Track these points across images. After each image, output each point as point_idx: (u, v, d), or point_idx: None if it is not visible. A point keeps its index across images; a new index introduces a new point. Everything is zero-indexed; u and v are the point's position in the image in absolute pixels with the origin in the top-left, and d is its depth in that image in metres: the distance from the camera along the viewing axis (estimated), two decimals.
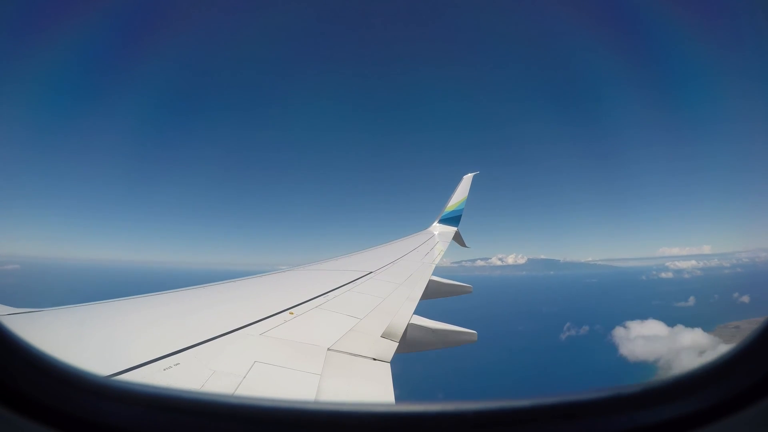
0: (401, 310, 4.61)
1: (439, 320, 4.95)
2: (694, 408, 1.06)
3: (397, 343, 3.53)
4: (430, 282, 6.99)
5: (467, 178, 15.45)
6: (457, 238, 13.86)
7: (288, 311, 3.68)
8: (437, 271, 8.07)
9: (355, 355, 3.04)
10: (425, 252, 9.70)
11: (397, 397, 2.56)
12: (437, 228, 13.99)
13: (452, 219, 14.46)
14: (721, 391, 1.07)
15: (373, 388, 2.71)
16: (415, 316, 4.65)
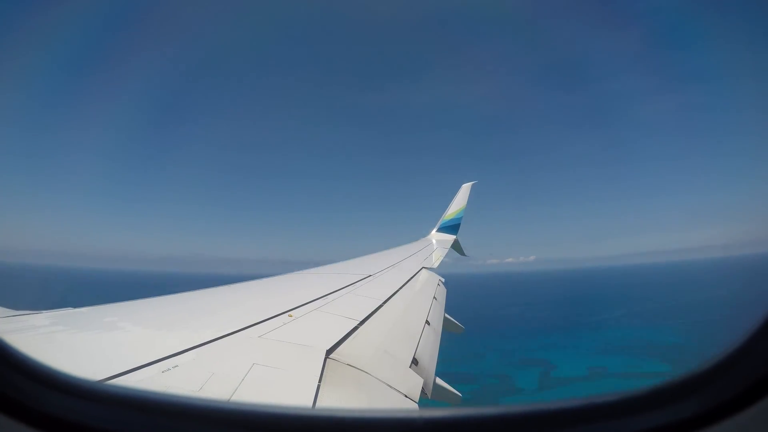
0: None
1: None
2: (696, 410, 1.06)
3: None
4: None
5: (465, 187, 15.45)
6: (456, 247, 13.84)
7: (287, 314, 3.68)
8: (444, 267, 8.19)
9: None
10: (424, 257, 9.72)
11: None
12: (435, 236, 13.99)
13: (451, 227, 14.46)
14: (722, 391, 1.07)
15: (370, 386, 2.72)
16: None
